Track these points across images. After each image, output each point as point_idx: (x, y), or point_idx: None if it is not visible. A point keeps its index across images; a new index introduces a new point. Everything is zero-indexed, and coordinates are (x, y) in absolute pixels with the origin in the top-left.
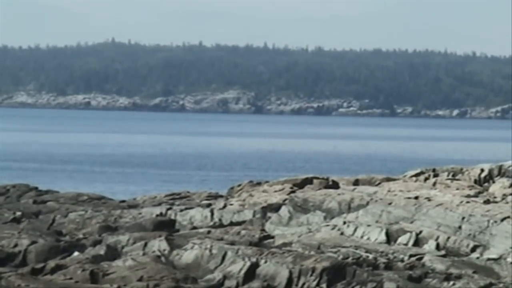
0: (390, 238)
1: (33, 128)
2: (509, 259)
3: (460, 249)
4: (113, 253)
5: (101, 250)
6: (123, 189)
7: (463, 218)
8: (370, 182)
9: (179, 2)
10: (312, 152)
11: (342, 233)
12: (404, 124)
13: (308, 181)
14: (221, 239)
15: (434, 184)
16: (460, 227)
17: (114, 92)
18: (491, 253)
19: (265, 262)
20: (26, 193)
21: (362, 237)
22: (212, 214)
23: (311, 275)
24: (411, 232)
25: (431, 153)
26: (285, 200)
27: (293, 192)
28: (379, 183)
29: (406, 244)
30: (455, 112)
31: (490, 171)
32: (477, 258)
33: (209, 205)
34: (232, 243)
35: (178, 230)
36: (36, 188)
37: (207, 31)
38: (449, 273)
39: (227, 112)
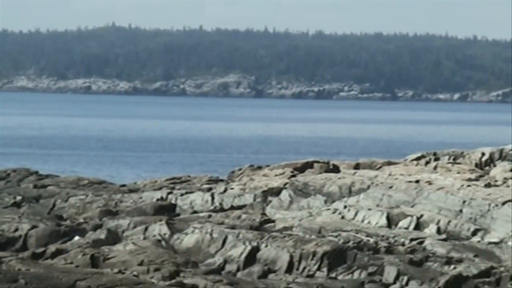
0: (391, 222)
1: (34, 113)
2: (510, 243)
3: (461, 233)
4: (114, 238)
5: (101, 234)
6: (124, 173)
7: (464, 201)
8: (371, 166)
9: None
10: (312, 136)
11: (343, 217)
12: (405, 108)
13: (308, 165)
14: (222, 223)
15: (435, 168)
16: (461, 211)
17: (114, 76)
18: (492, 237)
19: (266, 246)
20: (26, 177)
21: (363, 221)
22: (213, 198)
23: (311, 259)
24: (412, 216)
25: (432, 137)
26: (285, 184)
27: (294, 176)
28: (380, 167)
29: (407, 228)
30: (456, 95)
31: (491, 154)
32: (478, 242)
33: (209, 189)
34: (233, 227)
35: (178, 214)
36: (37, 172)
37: (208, 15)
38: (450, 257)
39: (227, 96)
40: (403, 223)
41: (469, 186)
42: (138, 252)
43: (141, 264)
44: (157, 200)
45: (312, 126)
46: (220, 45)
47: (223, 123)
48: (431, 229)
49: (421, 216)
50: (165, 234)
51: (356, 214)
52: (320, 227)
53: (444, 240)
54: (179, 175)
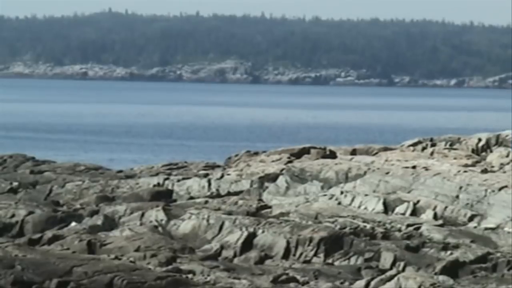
0: (388, 207)
1: (30, 99)
2: (506, 229)
3: (457, 219)
4: (110, 223)
5: (98, 220)
6: (120, 159)
7: (461, 187)
8: (367, 152)
9: None
10: (309, 121)
11: (339, 203)
12: (402, 93)
13: (305, 151)
14: (219, 209)
15: (432, 153)
16: (457, 197)
17: (111, 62)
18: (489, 223)
19: (263, 232)
20: (23, 163)
21: (359, 207)
22: (210, 184)
23: (308, 245)
24: (408, 201)
25: (429, 123)
26: (282, 170)
27: (291, 162)
28: (377, 153)
29: (403, 214)
30: (453, 81)
31: (488, 140)
32: (475, 227)
33: (206, 175)
34: (230, 213)
35: (175, 200)
36: (33, 158)
37: (204, 1)
38: (446, 243)
39: (224, 82)
40: (399, 209)
41: (465, 171)
42: (134, 238)
43: (137, 250)
44: (154, 186)
45: (309, 112)
46: (217, 31)
47: (219, 108)
48: (427, 215)
49: (418, 202)
50: (161, 220)
51: (352, 200)
52: (317, 213)
53: (441, 225)
54: (176, 161)
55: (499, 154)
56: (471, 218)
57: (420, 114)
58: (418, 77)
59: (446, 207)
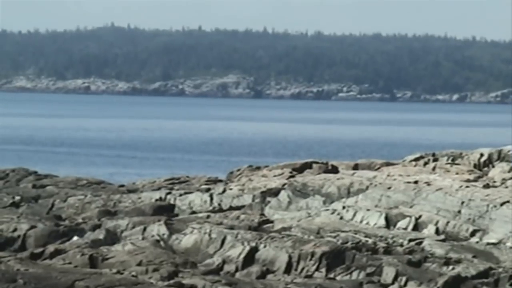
0: (390, 222)
1: (33, 113)
2: (508, 244)
3: (459, 234)
4: (112, 238)
5: (100, 234)
6: (123, 173)
7: (463, 202)
8: (369, 167)
9: None
10: (311, 136)
11: (341, 218)
12: (404, 108)
13: (307, 166)
14: (220, 223)
15: (434, 168)
16: (459, 212)
17: (113, 77)
18: (491, 238)
19: (265, 246)
20: (25, 177)
21: (361, 221)
22: (212, 198)
23: (310, 260)
24: (410, 216)
25: (431, 138)
26: (284, 184)
27: (293, 176)
28: (379, 168)
29: (405, 229)
30: (455, 96)
31: (490, 155)
32: (477, 242)
33: (208, 190)
34: (232, 228)
35: (177, 215)
36: (36, 172)
37: (207, 16)
38: (448, 258)
39: (226, 96)
40: (401, 223)
41: (467, 187)
42: (136, 253)
43: (139, 264)
44: (156, 200)
45: (311, 127)
46: (219, 45)
47: (221, 123)
48: (429, 230)
49: (420, 216)
50: (163, 234)
51: (354, 214)
52: (319, 228)
53: (443, 240)
54: (178, 176)
55: (501, 169)
56: (473, 233)
57: (422, 129)
58: (420, 92)
59: (448, 222)
